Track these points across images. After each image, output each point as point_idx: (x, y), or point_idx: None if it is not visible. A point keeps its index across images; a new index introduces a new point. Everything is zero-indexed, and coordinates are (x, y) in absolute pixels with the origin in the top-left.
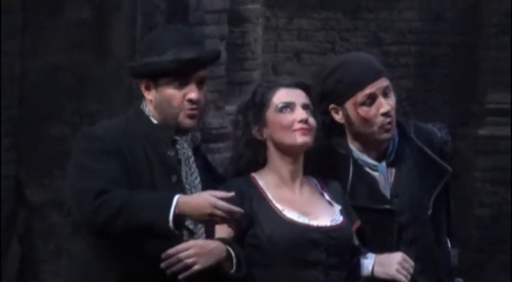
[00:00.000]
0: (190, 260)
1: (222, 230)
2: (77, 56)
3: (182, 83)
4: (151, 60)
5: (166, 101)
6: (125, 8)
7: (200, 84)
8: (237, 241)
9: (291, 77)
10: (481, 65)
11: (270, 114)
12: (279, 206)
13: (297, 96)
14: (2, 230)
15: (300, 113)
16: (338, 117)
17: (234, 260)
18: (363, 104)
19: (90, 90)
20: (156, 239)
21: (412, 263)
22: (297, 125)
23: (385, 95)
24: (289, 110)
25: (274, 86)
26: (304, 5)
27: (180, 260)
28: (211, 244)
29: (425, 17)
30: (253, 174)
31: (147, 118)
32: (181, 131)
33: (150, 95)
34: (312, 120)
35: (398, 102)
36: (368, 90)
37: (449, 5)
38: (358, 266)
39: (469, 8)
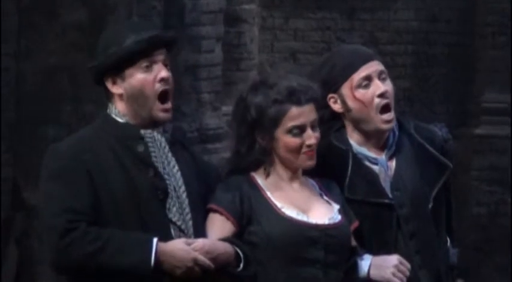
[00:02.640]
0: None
1: (217, 228)
2: (73, 58)
3: (149, 66)
4: (112, 51)
5: (137, 89)
6: (120, 9)
7: (166, 66)
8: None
9: (300, 87)
10: (477, 64)
11: (279, 133)
12: (278, 204)
13: (308, 114)
14: None
15: (309, 136)
16: (337, 106)
17: (242, 261)
18: (359, 86)
19: (86, 93)
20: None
21: (408, 265)
22: (305, 149)
23: (382, 79)
24: (299, 133)
25: (285, 103)
26: (300, 5)
27: None
28: (219, 248)
29: (421, 16)
30: (253, 174)
31: (113, 119)
32: (156, 124)
33: (119, 89)
34: (317, 135)
35: (396, 102)
36: (363, 72)
37: (446, 5)
38: (355, 267)
39: (465, 8)
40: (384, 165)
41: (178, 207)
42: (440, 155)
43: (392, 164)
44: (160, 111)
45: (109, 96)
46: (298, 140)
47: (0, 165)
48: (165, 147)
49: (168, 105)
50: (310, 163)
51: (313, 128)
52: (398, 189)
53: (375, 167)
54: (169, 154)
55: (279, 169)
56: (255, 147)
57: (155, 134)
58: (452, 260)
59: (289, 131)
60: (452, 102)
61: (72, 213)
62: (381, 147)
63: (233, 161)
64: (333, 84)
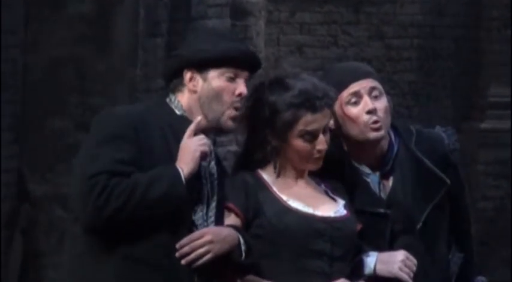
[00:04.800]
0: (203, 249)
1: (229, 220)
2: (79, 50)
3: (233, 78)
4: (207, 48)
5: (215, 92)
6: (127, 1)
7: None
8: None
9: (316, 92)
10: (483, 58)
11: (291, 136)
12: (283, 197)
13: (321, 120)
14: (4, 225)
15: (320, 142)
16: (331, 123)
17: (243, 248)
18: (348, 103)
19: (92, 84)
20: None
21: (415, 261)
22: (316, 154)
23: (373, 96)
24: (311, 138)
25: (300, 109)
26: None
27: (193, 249)
28: (224, 231)
29: (427, 10)
30: (259, 170)
31: (170, 109)
32: (221, 131)
33: (195, 87)
34: (328, 138)
35: (402, 96)
36: (352, 89)
37: None
38: (361, 264)
39: (471, 1)
40: (375, 183)
41: (204, 213)
42: (443, 166)
43: (389, 181)
44: (230, 118)
45: (177, 88)
46: (309, 146)
47: (2, 157)
48: (211, 152)
49: (237, 114)
50: (317, 166)
51: (324, 132)
52: (391, 206)
53: (368, 179)
54: (213, 163)
55: (287, 168)
56: (265, 144)
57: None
58: (453, 270)
59: (301, 136)
60: (457, 96)
61: (113, 174)
62: (378, 163)
63: (242, 155)
64: None
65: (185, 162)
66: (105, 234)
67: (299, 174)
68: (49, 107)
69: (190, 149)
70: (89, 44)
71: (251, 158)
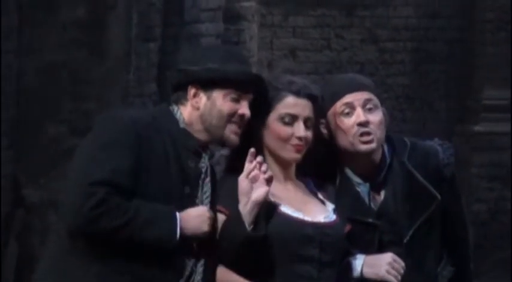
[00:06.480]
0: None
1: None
2: (73, 55)
3: (236, 99)
4: (214, 67)
5: (218, 111)
6: (120, 6)
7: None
8: None
9: (302, 82)
10: (477, 61)
11: (272, 119)
12: (273, 201)
13: (303, 108)
14: None
15: (300, 129)
16: (325, 131)
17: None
18: (341, 113)
19: (86, 89)
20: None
21: (402, 263)
22: (294, 141)
23: (367, 109)
24: (291, 122)
25: (283, 91)
26: (300, 2)
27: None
28: None
29: (420, 13)
30: None
31: (175, 120)
32: (224, 145)
33: (198, 103)
34: (309, 135)
35: (395, 99)
36: (346, 100)
37: (445, 1)
38: (348, 267)
39: (465, 4)
40: (364, 193)
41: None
42: (437, 179)
43: (380, 192)
44: (232, 133)
45: (180, 101)
46: (288, 129)
47: (0, 161)
48: (207, 175)
49: (239, 129)
50: (296, 156)
51: (306, 124)
52: (381, 217)
53: (359, 189)
54: (207, 179)
55: (271, 164)
56: (248, 138)
57: (206, 155)
58: None
59: (281, 119)
60: (451, 99)
61: (114, 186)
62: (370, 174)
63: (232, 157)
64: (321, 110)
65: (188, 222)
66: (89, 239)
67: (286, 176)
68: (43, 112)
69: (204, 221)
70: (83, 48)
71: (241, 162)
